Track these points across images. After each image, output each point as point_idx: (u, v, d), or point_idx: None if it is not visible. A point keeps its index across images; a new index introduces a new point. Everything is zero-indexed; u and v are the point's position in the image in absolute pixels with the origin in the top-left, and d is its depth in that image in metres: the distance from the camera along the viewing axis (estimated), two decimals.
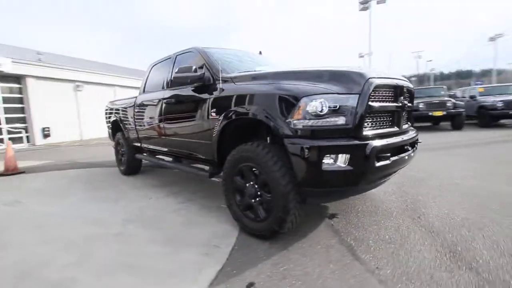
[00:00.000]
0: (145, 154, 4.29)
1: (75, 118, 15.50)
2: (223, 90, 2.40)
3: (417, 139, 2.44)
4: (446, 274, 1.69)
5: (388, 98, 2.05)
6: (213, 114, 2.45)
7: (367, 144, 1.77)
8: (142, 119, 3.88)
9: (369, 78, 1.83)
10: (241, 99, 2.18)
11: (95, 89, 16.96)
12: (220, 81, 2.42)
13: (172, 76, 2.73)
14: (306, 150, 1.75)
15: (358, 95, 1.77)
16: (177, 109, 3.10)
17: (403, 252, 1.95)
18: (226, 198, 2.44)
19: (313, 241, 2.17)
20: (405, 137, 2.19)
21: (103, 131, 6.50)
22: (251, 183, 2.20)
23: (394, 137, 2.05)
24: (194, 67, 2.64)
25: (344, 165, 1.76)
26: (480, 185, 3.34)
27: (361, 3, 15.06)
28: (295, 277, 1.71)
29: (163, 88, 3.49)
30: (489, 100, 9.97)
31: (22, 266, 1.98)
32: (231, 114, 2.24)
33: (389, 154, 1.87)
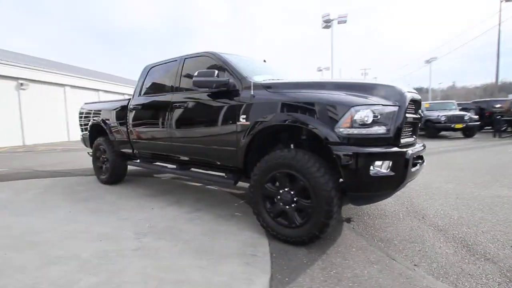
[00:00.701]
0: (138, 161, 3.97)
1: (17, 121, 13.51)
2: (254, 96, 2.41)
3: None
4: (472, 266, 1.93)
5: (412, 111, 2.29)
6: (243, 120, 2.43)
7: (406, 151, 1.95)
8: (140, 123, 3.62)
9: (405, 92, 2.04)
10: (283, 106, 2.21)
11: (42, 89, 15.08)
12: (252, 88, 2.42)
13: (193, 80, 2.62)
14: (357, 157, 1.86)
15: (398, 107, 1.96)
16: (192, 113, 2.97)
17: (428, 249, 2.16)
18: (255, 205, 2.42)
19: (345, 244, 2.27)
20: (418, 146, 2.45)
21: (54, 136, 5.83)
22: (286, 189, 2.23)
23: (415, 146, 2.29)
24: (216, 72, 2.60)
25: (387, 171, 1.91)
26: (456, 188, 3.85)
27: (325, 21, 16.32)
28: (349, 279, 1.78)
29: (169, 91, 3.33)
30: (434, 114, 11.54)
31: None
32: (269, 121, 2.25)
33: (420, 161, 2.08)
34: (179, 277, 1.85)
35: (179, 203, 3.41)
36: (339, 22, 16.44)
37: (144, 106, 3.57)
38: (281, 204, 2.27)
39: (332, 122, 1.95)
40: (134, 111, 3.70)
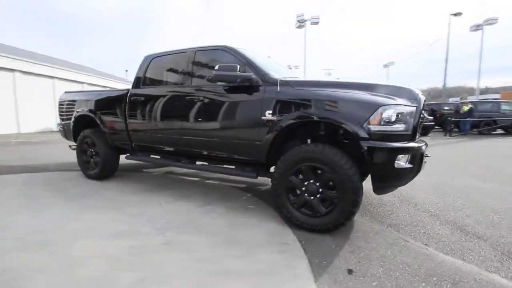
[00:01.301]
0: (137, 154, 3.79)
1: None
2: (280, 92, 2.49)
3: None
4: (469, 243, 2.27)
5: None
6: (269, 115, 2.50)
7: (421, 146, 2.22)
8: (142, 115, 3.46)
9: (420, 94, 2.31)
10: (313, 103, 2.33)
11: None
12: (279, 84, 2.50)
13: (214, 74, 2.61)
14: (385, 151, 2.07)
15: (416, 107, 2.21)
16: (209, 107, 2.94)
17: (430, 232, 2.48)
18: (278, 197, 2.52)
19: (362, 230, 2.50)
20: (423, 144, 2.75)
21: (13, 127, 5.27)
22: (311, 181, 2.38)
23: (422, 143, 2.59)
24: (238, 67, 2.63)
25: (406, 164, 2.16)
26: (433, 180, 4.37)
27: (299, 21, 16.79)
28: (378, 259, 1.99)
29: (179, 83, 3.24)
30: None
31: None
32: (297, 116, 2.36)
33: (429, 155, 2.38)
34: (219, 268, 1.89)
35: (185, 198, 3.37)
36: (312, 23, 17.15)
37: (147, 97, 3.42)
38: (305, 195, 2.41)
39: (362, 119, 2.13)
40: (134, 103, 3.53)
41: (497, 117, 13.44)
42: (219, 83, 2.85)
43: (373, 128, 2.11)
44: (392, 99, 2.18)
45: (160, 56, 3.54)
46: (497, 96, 27.71)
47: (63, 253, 2.06)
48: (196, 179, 4.46)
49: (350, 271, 1.85)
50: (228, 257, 2.04)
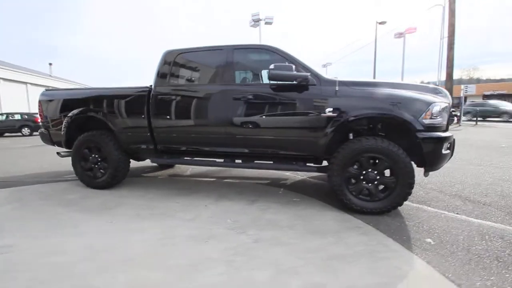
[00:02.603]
0: (165, 156, 3.50)
1: None
2: (338, 91, 2.73)
3: None
4: (482, 209, 2.91)
5: None
6: (329, 112, 2.71)
7: (453, 135, 2.76)
8: (176, 115, 3.24)
9: (447, 93, 2.84)
10: (378, 101, 2.63)
11: None
12: (337, 84, 2.73)
13: (271, 72, 2.66)
14: (437, 140, 2.52)
15: (448, 104, 2.73)
16: (263, 106, 2.96)
17: (449, 204, 3.07)
18: (338, 187, 2.77)
19: (403, 209, 2.92)
20: None
21: None
22: (369, 170, 2.70)
23: None
24: (293, 66, 2.76)
25: (447, 150, 2.66)
26: None
27: (254, 20, 17.14)
28: (436, 229, 2.42)
29: (216, 81, 3.16)
30: None
31: None
32: (362, 113, 2.64)
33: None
34: (327, 254, 2.04)
35: (225, 197, 3.33)
36: (266, 23, 17.73)
37: (181, 96, 3.22)
38: (363, 183, 2.72)
39: (418, 114, 2.54)
40: (162, 102, 3.27)
41: None
42: (268, 82, 2.92)
43: (426, 121, 2.55)
44: (435, 97, 2.66)
45: (187, 52, 3.35)
46: None
47: (175, 262, 1.91)
48: (212, 179, 4.36)
49: (429, 241, 2.24)
50: (325, 245, 2.20)
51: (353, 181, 2.78)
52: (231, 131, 3.08)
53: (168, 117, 3.29)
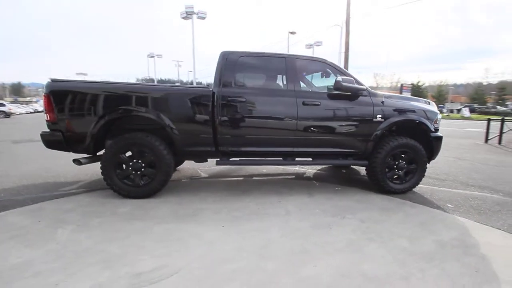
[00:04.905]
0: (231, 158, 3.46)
1: None
2: (384, 102, 3.57)
3: None
4: (494, 196, 4.39)
5: None
6: (379, 118, 3.52)
7: None
8: (245, 117, 3.30)
9: (434, 104, 4.16)
10: (408, 111, 3.60)
11: None
12: (384, 97, 3.56)
13: (341, 83, 3.24)
14: (440, 138, 3.74)
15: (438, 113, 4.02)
16: (327, 110, 3.48)
17: (457, 189, 4.48)
18: (380, 175, 3.62)
19: (423, 191, 4.08)
20: None
21: None
22: (401, 160, 3.69)
23: None
24: (354, 80, 3.44)
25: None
26: None
27: (187, 12, 16.22)
28: (443, 199, 3.63)
29: (279, 86, 3.48)
30: None
31: None
32: (401, 119, 3.57)
33: None
34: (410, 219, 2.85)
35: (283, 193, 3.65)
36: (198, 17, 17.09)
37: (249, 99, 3.29)
38: (397, 170, 3.70)
39: (432, 120, 3.69)
40: (231, 104, 3.26)
41: None
42: (327, 91, 3.49)
43: (435, 125, 3.74)
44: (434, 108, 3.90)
45: (248, 56, 3.45)
46: None
47: (335, 247, 2.22)
48: (239, 178, 4.49)
49: (450, 206, 3.37)
50: (402, 215, 2.98)
51: (386, 170, 3.71)
52: (299, 133, 3.45)
53: (237, 119, 3.33)
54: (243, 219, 2.81)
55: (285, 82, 3.55)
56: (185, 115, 3.28)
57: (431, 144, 3.75)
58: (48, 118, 3.08)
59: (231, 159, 3.53)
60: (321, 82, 4.01)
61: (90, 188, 3.69)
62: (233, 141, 3.42)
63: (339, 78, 3.35)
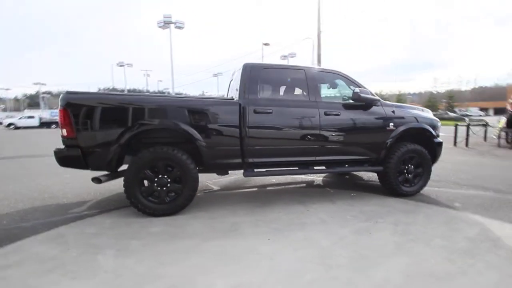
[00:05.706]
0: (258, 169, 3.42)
1: None
2: (394, 111, 3.84)
3: None
4: (477, 189, 4.82)
5: None
6: (392, 126, 3.77)
7: None
8: (273, 129, 3.32)
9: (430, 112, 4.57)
10: (415, 120, 3.90)
11: None
12: (394, 107, 3.83)
13: (360, 94, 3.43)
14: (441, 144, 4.11)
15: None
16: (346, 120, 3.62)
17: (455, 188, 4.86)
18: (394, 179, 3.86)
19: (433, 191, 4.40)
20: None
21: None
22: (409, 165, 3.98)
23: None
24: (369, 91, 3.67)
25: None
26: None
27: (164, 22, 15.83)
28: (450, 198, 3.97)
29: (300, 98, 3.58)
30: None
31: None
32: (410, 127, 3.85)
33: None
34: (433, 221, 3.09)
35: (305, 203, 3.70)
36: (176, 27, 16.76)
37: (275, 110, 3.33)
38: (406, 175, 3.97)
39: (435, 128, 4.04)
40: (257, 115, 3.26)
41: None
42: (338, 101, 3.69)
43: (437, 132, 4.10)
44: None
45: (270, 68, 3.51)
46: None
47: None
48: (253, 189, 4.45)
49: (458, 205, 3.70)
50: (424, 215, 3.21)
51: (400, 174, 3.96)
52: (321, 142, 3.56)
53: (262, 130, 3.33)
54: (284, 230, 2.80)
55: (305, 93, 3.66)
56: (213, 128, 3.22)
57: (434, 149, 4.10)
58: (65, 134, 2.80)
59: (256, 170, 3.51)
60: (327, 92, 4.21)
61: (102, 208, 3.39)
62: (259, 152, 3.42)
63: (357, 89, 3.56)
